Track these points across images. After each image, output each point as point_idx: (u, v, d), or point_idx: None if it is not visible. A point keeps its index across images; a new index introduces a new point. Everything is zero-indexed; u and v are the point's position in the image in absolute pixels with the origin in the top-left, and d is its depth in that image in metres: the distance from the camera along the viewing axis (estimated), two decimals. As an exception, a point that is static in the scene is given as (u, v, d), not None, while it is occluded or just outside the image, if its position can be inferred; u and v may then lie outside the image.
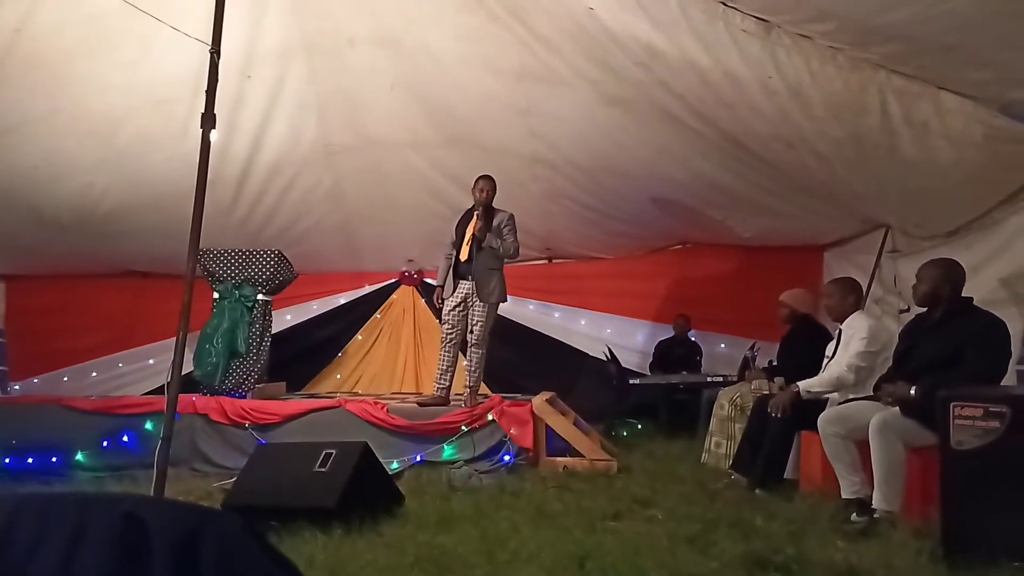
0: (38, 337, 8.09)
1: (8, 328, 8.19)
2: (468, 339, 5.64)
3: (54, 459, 5.41)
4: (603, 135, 5.60)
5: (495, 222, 5.57)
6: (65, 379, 8.09)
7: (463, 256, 5.54)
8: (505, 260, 5.67)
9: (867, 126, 4.14)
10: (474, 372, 5.63)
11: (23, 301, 8.21)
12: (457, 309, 5.61)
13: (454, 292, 5.60)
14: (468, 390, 5.60)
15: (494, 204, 5.64)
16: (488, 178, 5.60)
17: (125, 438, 5.48)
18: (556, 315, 8.19)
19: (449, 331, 5.65)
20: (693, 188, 6.08)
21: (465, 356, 5.75)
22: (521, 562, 2.96)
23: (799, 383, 4.41)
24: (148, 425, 5.44)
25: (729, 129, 4.90)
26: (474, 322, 5.57)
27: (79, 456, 5.42)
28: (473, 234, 5.48)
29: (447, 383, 5.73)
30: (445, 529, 3.51)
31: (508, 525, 3.54)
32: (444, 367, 5.72)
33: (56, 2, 4.34)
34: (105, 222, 6.58)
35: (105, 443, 5.47)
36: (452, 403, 5.64)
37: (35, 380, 8.11)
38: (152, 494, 3.29)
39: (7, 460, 5.42)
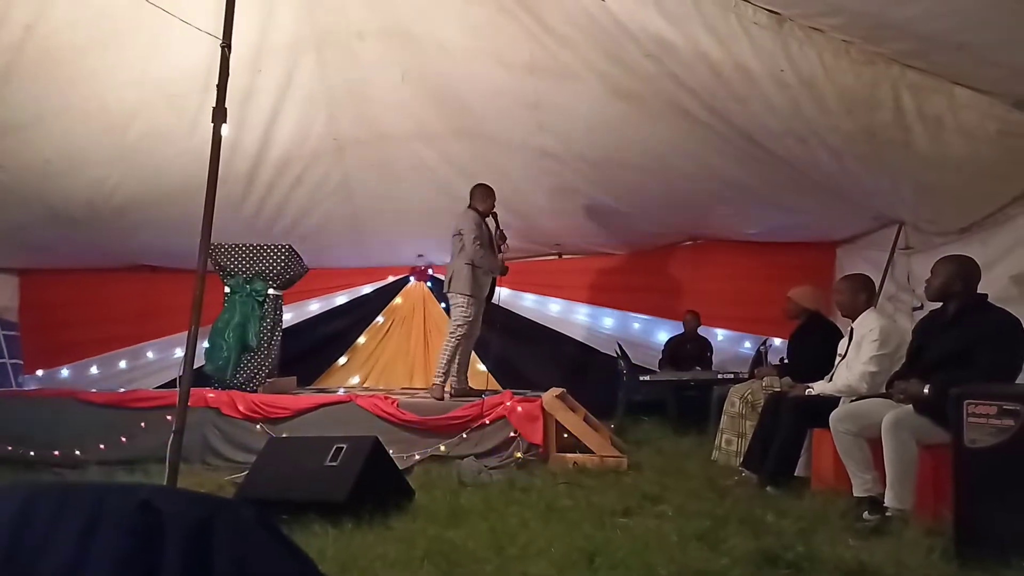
0: (51, 330, 8.16)
1: (22, 321, 8.26)
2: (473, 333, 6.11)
3: (67, 452, 5.45)
4: (613, 129, 5.58)
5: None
6: (78, 372, 8.16)
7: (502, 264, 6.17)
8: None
9: (880, 120, 4.11)
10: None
11: (36, 295, 8.27)
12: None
13: (488, 294, 6.11)
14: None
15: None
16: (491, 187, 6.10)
17: (137, 431, 5.51)
18: (566, 311, 8.19)
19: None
20: (704, 183, 6.05)
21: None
22: (531, 557, 2.97)
23: (811, 385, 4.39)
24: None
25: (740, 123, 4.87)
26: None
27: (92, 449, 5.46)
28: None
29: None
30: (455, 523, 3.51)
31: (517, 520, 3.54)
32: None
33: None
34: (117, 216, 6.62)
35: (118, 436, 5.50)
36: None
37: (43, 373, 8.18)
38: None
39: (30, 452, 5.46)
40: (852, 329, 4.41)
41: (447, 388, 5.88)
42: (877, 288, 5.39)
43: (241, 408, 5.53)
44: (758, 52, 3.93)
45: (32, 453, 5.46)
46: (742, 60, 4.03)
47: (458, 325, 5.86)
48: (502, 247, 6.17)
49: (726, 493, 4.16)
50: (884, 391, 3.89)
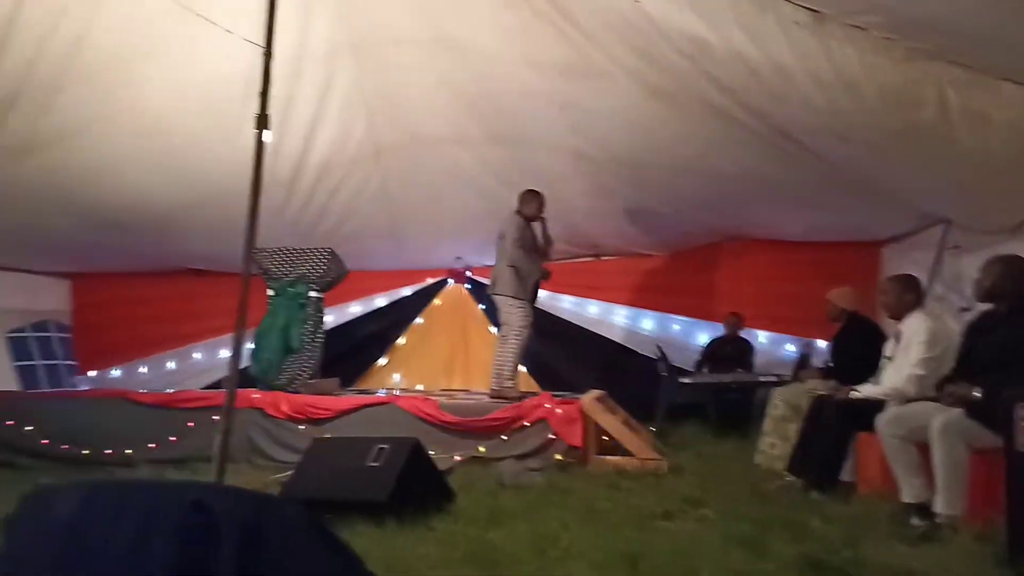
0: (102, 332, 8.40)
1: (74, 324, 8.52)
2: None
3: (118, 451, 5.61)
4: (648, 130, 5.55)
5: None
6: (128, 373, 8.39)
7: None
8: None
9: (924, 118, 4.00)
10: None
11: (88, 298, 8.53)
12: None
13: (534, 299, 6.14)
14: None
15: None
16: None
17: (185, 431, 5.64)
18: (604, 312, 8.16)
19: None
20: (742, 182, 5.97)
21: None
22: (571, 559, 2.96)
23: (857, 388, 4.31)
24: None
25: (778, 122, 4.80)
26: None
27: (142, 448, 5.60)
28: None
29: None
30: (495, 525, 3.52)
31: (558, 522, 3.54)
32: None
33: (114, 9, 4.48)
34: (162, 222, 6.79)
35: (167, 436, 5.64)
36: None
37: (95, 374, 8.43)
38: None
39: (71, 450, 5.63)
40: (899, 331, 4.31)
41: (511, 387, 5.92)
42: (924, 289, 5.26)
43: (285, 409, 5.63)
44: (796, 51, 3.87)
45: (85, 452, 5.62)
46: (780, 59, 3.97)
47: (521, 327, 5.91)
48: (548, 252, 6.17)
49: (769, 497, 4.10)
50: (933, 394, 3.80)
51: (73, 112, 5.16)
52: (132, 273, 8.31)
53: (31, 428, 5.78)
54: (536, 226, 6.08)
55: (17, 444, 5.74)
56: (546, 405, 5.35)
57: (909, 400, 3.95)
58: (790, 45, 3.86)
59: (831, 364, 5.39)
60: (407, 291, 8.74)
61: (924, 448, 3.48)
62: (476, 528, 3.46)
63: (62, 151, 5.52)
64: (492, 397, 5.92)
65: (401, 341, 8.65)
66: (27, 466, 5.49)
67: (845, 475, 4.27)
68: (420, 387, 7.91)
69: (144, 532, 0.90)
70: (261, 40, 3.68)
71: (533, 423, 5.30)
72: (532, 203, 6.01)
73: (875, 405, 4.06)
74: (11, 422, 5.81)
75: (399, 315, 8.70)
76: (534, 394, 5.94)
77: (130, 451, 5.59)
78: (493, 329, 8.40)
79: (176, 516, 0.91)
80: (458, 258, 8.49)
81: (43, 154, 5.46)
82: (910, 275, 4.58)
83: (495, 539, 3.25)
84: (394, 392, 6.68)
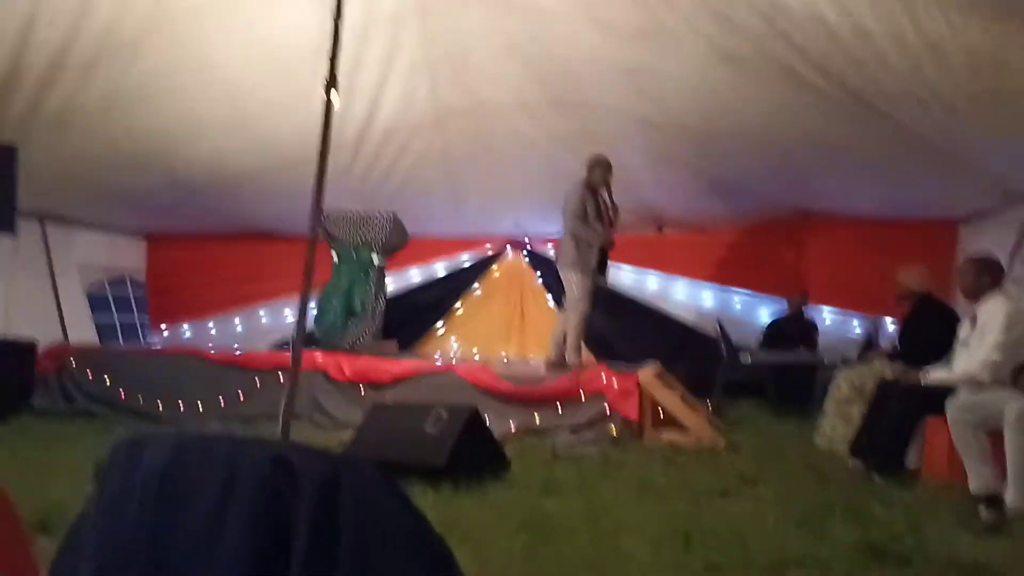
0: (174, 291, 8.73)
1: (148, 282, 8.87)
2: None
3: (190, 407, 5.85)
4: (716, 94, 5.39)
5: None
6: (198, 330, 8.72)
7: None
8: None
9: (1011, 82, 3.79)
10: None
11: (161, 257, 8.85)
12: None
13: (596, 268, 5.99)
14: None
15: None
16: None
17: (253, 390, 5.85)
18: (664, 286, 8.08)
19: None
20: (815, 152, 5.78)
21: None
22: (624, 532, 2.97)
23: (927, 371, 4.17)
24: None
25: (854, 85, 4.60)
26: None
27: (212, 405, 5.83)
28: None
29: None
30: (549, 495, 3.56)
31: (611, 495, 3.56)
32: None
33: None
34: (233, 184, 6.97)
35: (235, 393, 5.85)
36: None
37: (167, 330, 8.78)
38: (276, 442, 3.51)
39: (145, 403, 5.90)
40: (975, 314, 4.14)
41: (575, 361, 5.93)
42: (1004, 271, 5.03)
43: (347, 371, 5.76)
44: (878, 12, 3.70)
45: (160, 407, 5.88)
46: (861, 20, 3.80)
47: (578, 300, 5.86)
48: (613, 220, 6.01)
49: (829, 480, 4.02)
50: (1009, 381, 3.65)
51: (153, 75, 5.30)
52: (204, 234, 8.58)
53: (109, 381, 6.06)
54: (603, 192, 5.97)
55: (97, 395, 6.04)
56: (603, 377, 5.34)
57: (983, 386, 3.81)
58: (872, 5, 3.70)
59: (899, 346, 5.23)
60: (466, 258, 8.79)
61: (996, 436, 3.36)
62: (530, 497, 3.50)
63: (143, 112, 5.68)
64: (548, 367, 5.94)
65: (458, 308, 8.74)
66: (105, 416, 5.78)
67: (910, 461, 4.16)
68: (475, 353, 7.99)
69: (229, 485, 0.94)
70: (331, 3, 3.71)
71: (589, 395, 5.31)
72: (596, 169, 5.88)
73: (945, 390, 3.92)
74: (91, 374, 6.12)
75: (457, 282, 8.77)
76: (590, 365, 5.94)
77: (201, 408, 5.82)
78: (550, 299, 8.42)
79: (257, 470, 0.95)
80: (517, 225, 8.47)
81: (121, 113, 5.63)
82: (990, 255, 4.38)
83: (549, 508, 3.29)
84: (452, 359, 6.77)
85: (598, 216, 5.90)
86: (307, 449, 1.06)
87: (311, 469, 0.93)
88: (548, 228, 8.46)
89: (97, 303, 8.09)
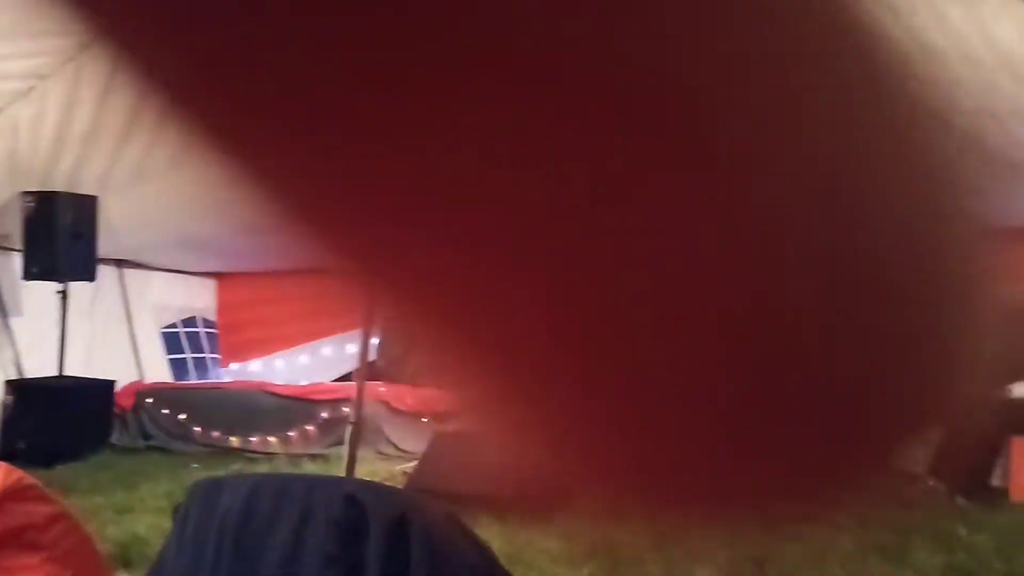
0: (243, 328, 8.99)
1: (219, 320, 9.17)
2: None
3: (261, 439, 6.01)
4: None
5: None
6: (266, 366, 8.94)
7: None
8: None
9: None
10: None
11: (230, 296, 9.15)
12: None
13: None
14: None
15: None
16: None
17: (319, 422, 5.97)
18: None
19: None
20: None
21: None
22: (695, 560, 2.91)
23: (1016, 387, 3.98)
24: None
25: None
26: None
27: (280, 437, 5.98)
28: None
29: None
30: (616, 522, 3.50)
31: (682, 523, 3.48)
32: None
33: None
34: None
35: (303, 426, 5.99)
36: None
37: (236, 367, 9.03)
38: (344, 475, 3.58)
39: (217, 436, 6.08)
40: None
41: None
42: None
43: (410, 402, 5.83)
44: (945, 29, 3.61)
45: (233, 439, 6.05)
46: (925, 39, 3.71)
47: None
48: None
49: (910, 503, 3.86)
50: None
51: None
52: (271, 272, 8.83)
53: (184, 416, 6.27)
54: None
55: (172, 431, 6.26)
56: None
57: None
58: (938, 22, 3.61)
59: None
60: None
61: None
62: (597, 524, 3.46)
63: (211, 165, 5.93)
64: None
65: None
66: (180, 451, 5.97)
67: (995, 480, 3.97)
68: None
69: (302, 524, 0.98)
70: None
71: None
72: None
73: (1032, 406, 3.74)
74: (167, 411, 6.34)
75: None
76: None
77: (270, 439, 5.96)
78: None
79: (331, 509, 0.98)
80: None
81: (195, 166, 5.89)
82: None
83: (617, 536, 3.24)
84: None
85: None
86: (377, 487, 1.09)
87: (382, 508, 0.96)
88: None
89: (170, 341, 8.40)
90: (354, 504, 0.97)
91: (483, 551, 1.09)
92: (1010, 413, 3.86)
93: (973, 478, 3.89)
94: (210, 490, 1.08)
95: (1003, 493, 3.89)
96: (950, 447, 4.17)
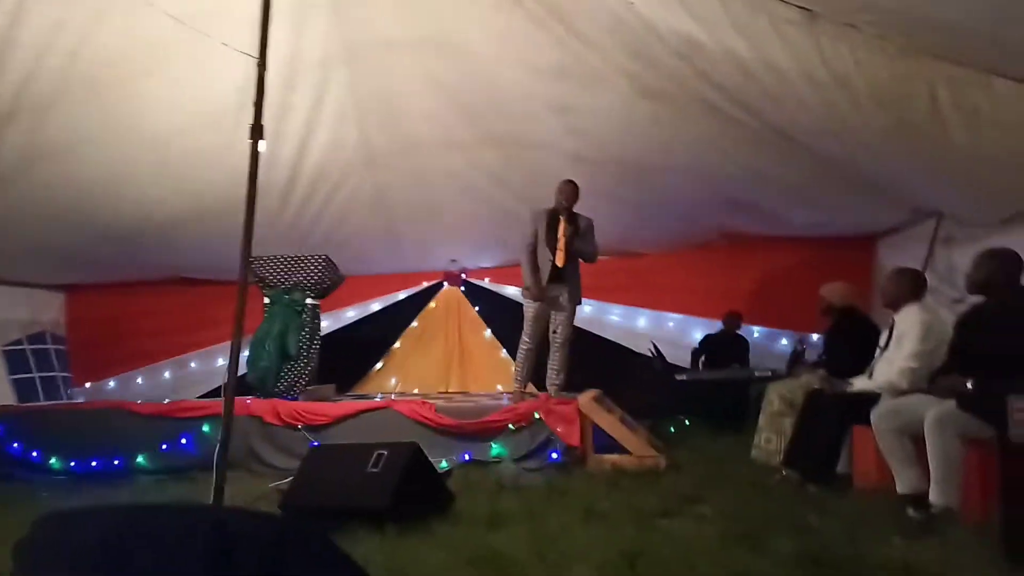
0: (97, 344, 8.39)
1: (69, 336, 8.51)
2: (552, 339, 5.94)
3: (116, 462, 5.61)
4: (643, 129, 5.59)
5: (581, 227, 5.82)
6: (124, 384, 8.38)
7: (559, 262, 5.75)
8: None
9: (915, 114, 4.05)
10: (561, 372, 5.94)
11: (82, 310, 8.52)
12: (543, 309, 5.85)
13: (544, 294, 5.82)
14: (556, 387, 5.89)
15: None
16: (573, 183, 5.77)
17: (183, 441, 5.66)
18: (599, 312, 8.17)
19: (537, 330, 5.91)
20: (739, 180, 6.02)
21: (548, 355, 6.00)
22: (572, 561, 2.99)
23: (851, 382, 4.35)
24: (205, 428, 5.62)
25: (773, 120, 4.85)
26: (560, 323, 5.89)
27: (140, 459, 5.61)
28: (566, 240, 5.71)
29: (526, 380, 6.07)
30: (495, 528, 3.54)
31: (557, 524, 3.57)
32: (529, 366, 6.00)
33: (111, 24, 4.49)
34: (160, 233, 6.79)
35: (164, 446, 5.65)
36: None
37: (90, 385, 8.42)
38: (212, 495, 3.40)
39: (72, 463, 5.65)
40: (893, 322, 4.35)
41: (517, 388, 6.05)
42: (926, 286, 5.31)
43: (282, 415, 5.63)
44: (790, 50, 3.91)
45: (85, 465, 5.62)
46: (773, 59, 4.01)
47: (526, 325, 5.92)
48: (564, 246, 5.72)
49: (767, 493, 4.13)
50: (926, 387, 3.84)
51: (71, 127, 5.17)
52: (126, 284, 8.30)
53: (29, 441, 5.77)
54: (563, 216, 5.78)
55: (14, 457, 5.73)
56: (543, 405, 5.38)
57: (902, 393, 3.99)
58: (783, 44, 3.90)
59: (824, 358, 5.43)
60: (403, 295, 8.75)
61: (919, 440, 3.52)
62: (477, 531, 3.48)
63: (60, 166, 5.52)
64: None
65: (397, 345, 8.67)
66: (25, 479, 5.48)
67: (841, 468, 4.32)
68: (416, 392, 7.92)
69: (168, 555, 0.92)
70: (255, 51, 3.68)
71: (531, 424, 5.33)
72: (556, 194, 5.76)
73: (870, 398, 4.10)
74: (9, 436, 5.80)
75: (395, 319, 8.71)
76: (533, 395, 5.97)
77: (129, 462, 5.59)
78: (488, 332, 8.44)
79: (196, 541, 0.93)
80: (453, 260, 8.51)
81: (41, 169, 5.47)
82: (915, 270, 4.63)
83: (496, 542, 3.27)
84: (391, 397, 6.70)
85: (547, 241, 5.77)
86: (247, 513, 1.05)
87: (252, 534, 0.92)
88: (482, 262, 8.52)
89: (14, 360, 7.71)
90: (223, 533, 0.92)
91: (358, 572, 1.07)
92: (850, 405, 4.22)
93: (822, 467, 4.21)
94: (58, 524, 1.00)
95: (848, 479, 4.24)
96: (801, 438, 4.51)
